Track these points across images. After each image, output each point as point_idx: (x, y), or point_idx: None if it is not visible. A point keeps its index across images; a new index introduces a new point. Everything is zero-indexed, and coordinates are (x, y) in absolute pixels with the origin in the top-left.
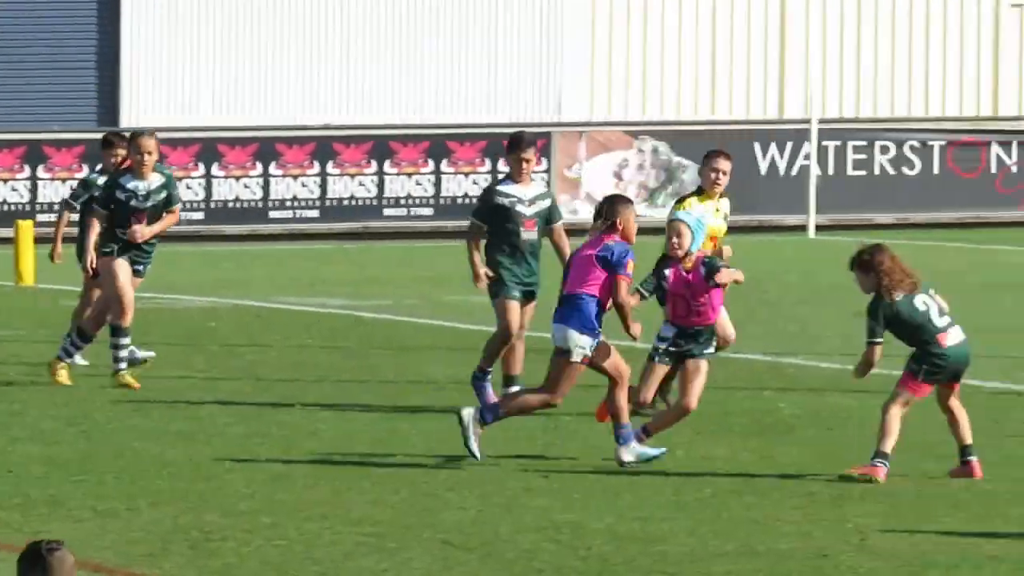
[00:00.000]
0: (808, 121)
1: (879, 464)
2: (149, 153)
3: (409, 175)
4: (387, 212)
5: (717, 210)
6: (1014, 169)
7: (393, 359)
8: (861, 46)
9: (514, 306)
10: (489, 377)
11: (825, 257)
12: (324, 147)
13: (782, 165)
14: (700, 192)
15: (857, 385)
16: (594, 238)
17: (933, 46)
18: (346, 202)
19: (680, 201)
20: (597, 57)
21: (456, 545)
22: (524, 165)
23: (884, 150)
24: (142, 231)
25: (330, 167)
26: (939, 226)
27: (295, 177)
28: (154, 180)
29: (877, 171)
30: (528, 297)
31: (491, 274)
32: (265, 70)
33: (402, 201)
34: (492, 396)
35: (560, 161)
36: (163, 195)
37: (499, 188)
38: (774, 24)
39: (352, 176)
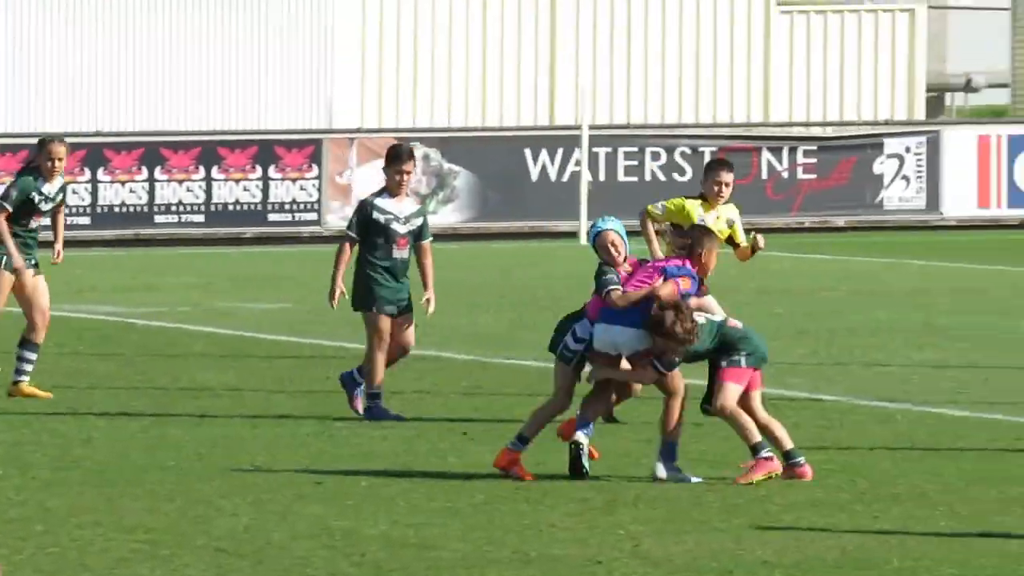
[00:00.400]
0: (579, 127)
1: (763, 458)
2: (60, 159)
3: (180, 182)
4: (158, 219)
5: (719, 217)
6: (785, 175)
7: (166, 366)
8: (632, 52)
9: (387, 321)
10: (382, 395)
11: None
12: (95, 153)
13: (553, 171)
14: (703, 199)
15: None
16: (672, 256)
17: (704, 51)
18: (117, 209)
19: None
20: (368, 64)
21: (230, 552)
22: (404, 178)
23: (655, 156)
24: (60, 252)
25: (100, 174)
26: None
27: None
28: (56, 183)
29: (648, 177)
30: (403, 312)
31: (346, 295)
32: (32, 75)
33: (173, 208)
34: (391, 411)
35: (331, 168)
36: (60, 197)
37: (376, 203)
38: (544, 30)
39: (123, 183)
